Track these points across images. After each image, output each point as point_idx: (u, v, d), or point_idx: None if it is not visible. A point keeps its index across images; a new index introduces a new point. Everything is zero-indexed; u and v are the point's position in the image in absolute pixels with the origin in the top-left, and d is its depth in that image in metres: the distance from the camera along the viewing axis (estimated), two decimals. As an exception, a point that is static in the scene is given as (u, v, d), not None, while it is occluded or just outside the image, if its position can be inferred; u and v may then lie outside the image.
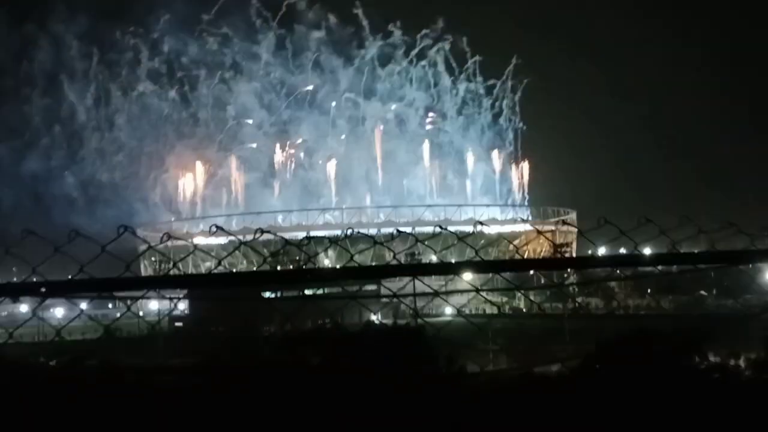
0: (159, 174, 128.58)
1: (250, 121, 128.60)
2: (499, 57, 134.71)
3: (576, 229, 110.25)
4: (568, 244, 74.97)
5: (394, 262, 4.15)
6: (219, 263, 5.17)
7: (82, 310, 4.16)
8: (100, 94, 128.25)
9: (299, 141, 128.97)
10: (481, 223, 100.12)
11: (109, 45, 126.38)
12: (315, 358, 9.35)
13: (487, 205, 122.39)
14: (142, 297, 4.23)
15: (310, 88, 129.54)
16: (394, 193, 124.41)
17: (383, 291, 4.55)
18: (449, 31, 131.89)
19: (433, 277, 4.63)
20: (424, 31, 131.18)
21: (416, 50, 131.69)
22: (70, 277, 3.89)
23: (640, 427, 6.88)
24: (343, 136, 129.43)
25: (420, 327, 13.91)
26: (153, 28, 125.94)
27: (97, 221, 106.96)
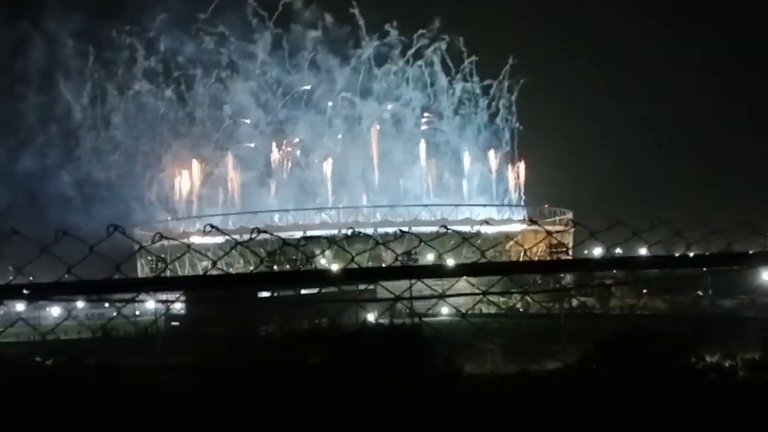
0: (155, 173, 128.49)
1: (247, 121, 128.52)
2: (496, 57, 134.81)
3: (572, 230, 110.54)
4: (565, 244, 74.94)
5: (396, 263, 4.14)
6: (214, 264, 5.10)
7: (69, 312, 4.04)
8: (96, 92, 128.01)
9: (296, 140, 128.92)
10: (487, 222, 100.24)
11: (105, 43, 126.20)
12: (314, 358, 9.35)
13: (484, 205, 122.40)
14: (132, 300, 4.10)
15: (308, 87, 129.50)
16: (391, 193, 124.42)
17: (383, 292, 4.53)
18: (446, 30, 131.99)
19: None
20: (420, 31, 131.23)
21: (413, 50, 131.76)
22: (65, 277, 3.84)
23: (638, 426, 6.89)
24: (339, 136, 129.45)
25: (417, 327, 13.91)
26: (149, 27, 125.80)
27: (93, 220, 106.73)
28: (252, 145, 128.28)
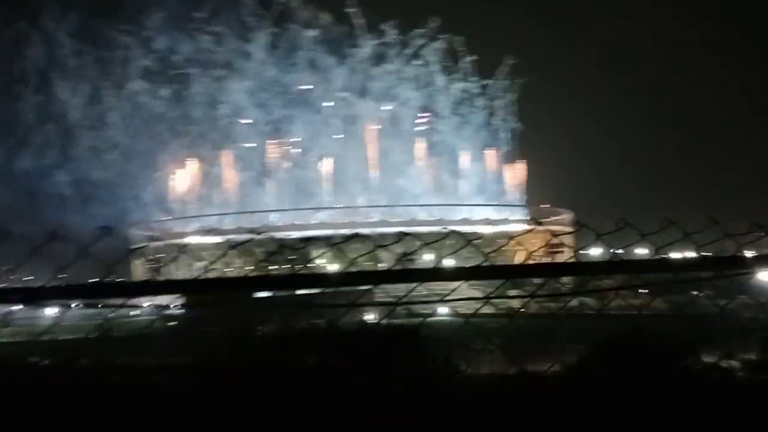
0: (152, 172, 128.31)
1: (245, 121, 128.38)
2: (494, 56, 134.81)
3: (570, 230, 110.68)
4: (563, 245, 75.05)
5: (396, 266, 4.09)
6: (209, 267, 5.02)
7: (63, 313, 3.96)
8: (92, 91, 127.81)
9: (293, 140, 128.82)
10: (492, 222, 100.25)
11: (101, 42, 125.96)
12: (312, 358, 9.31)
13: (482, 205, 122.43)
14: (123, 306, 4.00)
15: (306, 87, 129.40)
16: (389, 193, 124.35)
17: (384, 293, 4.48)
18: (444, 30, 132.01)
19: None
20: (418, 30, 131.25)
21: (411, 49, 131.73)
22: (66, 278, 3.78)
23: (638, 427, 6.86)
24: (337, 136, 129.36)
25: (415, 327, 13.87)
26: (146, 26, 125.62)
27: (90, 220, 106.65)
28: (249, 144, 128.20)
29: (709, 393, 8.43)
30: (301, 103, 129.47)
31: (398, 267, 4.93)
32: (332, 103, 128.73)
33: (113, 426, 6.37)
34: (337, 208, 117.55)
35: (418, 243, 4.36)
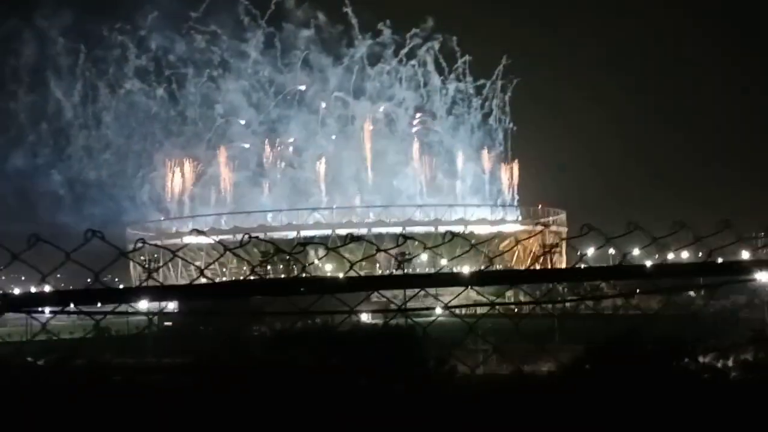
0: (147, 172, 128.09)
1: (240, 120, 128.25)
2: (489, 57, 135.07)
3: (565, 230, 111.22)
4: (557, 245, 75.19)
5: (395, 269, 4.08)
6: (201, 273, 4.92)
7: (54, 314, 3.83)
8: (87, 91, 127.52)
9: (289, 140, 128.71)
10: (494, 224, 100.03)
11: (95, 42, 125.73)
12: (311, 359, 9.30)
13: (478, 205, 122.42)
14: (112, 312, 3.90)
15: (302, 87, 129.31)
16: (384, 193, 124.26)
17: (383, 297, 4.44)
18: (439, 30, 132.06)
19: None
20: (413, 31, 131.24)
21: (406, 49, 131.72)
22: (60, 284, 3.72)
23: (636, 427, 6.87)
24: (333, 136, 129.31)
25: (411, 328, 13.86)
26: (140, 26, 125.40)
27: (85, 220, 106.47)
28: (244, 144, 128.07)
29: (705, 392, 8.45)
30: (297, 103, 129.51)
31: (397, 268, 4.92)
32: (323, 103, 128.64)
33: (113, 426, 6.36)
34: (332, 208, 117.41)
35: (416, 243, 4.32)
